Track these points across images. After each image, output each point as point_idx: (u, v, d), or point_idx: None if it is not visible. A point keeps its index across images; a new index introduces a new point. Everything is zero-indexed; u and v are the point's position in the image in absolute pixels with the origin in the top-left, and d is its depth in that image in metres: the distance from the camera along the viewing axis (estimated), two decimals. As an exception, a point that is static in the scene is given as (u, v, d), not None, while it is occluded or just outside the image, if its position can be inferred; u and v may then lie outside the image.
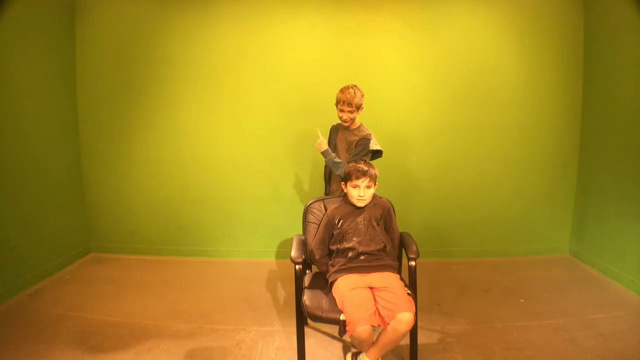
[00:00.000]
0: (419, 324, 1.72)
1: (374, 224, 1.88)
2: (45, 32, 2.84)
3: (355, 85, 2.22)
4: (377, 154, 2.28)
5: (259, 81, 3.10)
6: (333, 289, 1.76)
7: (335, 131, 2.44)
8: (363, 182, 1.84)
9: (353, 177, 1.85)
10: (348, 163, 2.03)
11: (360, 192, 1.85)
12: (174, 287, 2.72)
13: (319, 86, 3.03)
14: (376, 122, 3.06)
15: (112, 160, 3.23)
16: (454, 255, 3.21)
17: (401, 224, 2.01)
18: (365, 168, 1.85)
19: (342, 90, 2.22)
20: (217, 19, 3.06)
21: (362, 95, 2.22)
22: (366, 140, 2.23)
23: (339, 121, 2.35)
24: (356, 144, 2.25)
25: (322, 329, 2.15)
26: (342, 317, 1.61)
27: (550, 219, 3.23)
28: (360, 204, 1.88)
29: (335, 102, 2.27)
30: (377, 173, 1.89)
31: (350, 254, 1.82)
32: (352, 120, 2.26)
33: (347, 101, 2.18)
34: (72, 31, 3.08)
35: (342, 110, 2.22)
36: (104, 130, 3.19)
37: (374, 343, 1.65)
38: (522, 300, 2.48)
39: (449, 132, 3.11)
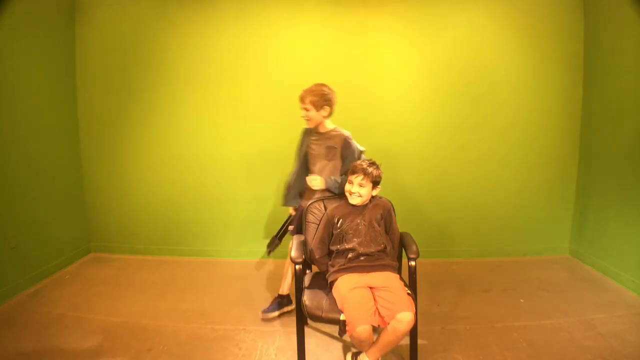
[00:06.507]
0: (419, 324, 1.71)
1: (375, 224, 1.87)
2: (45, 32, 2.83)
3: (323, 84, 2.13)
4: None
5: (259, 81, 3.09)
6: (333, 289, 1.76)
7: (307, 135, 2.26)
8: (356, 178, 1.84)
9: (350, 172, 1.88)
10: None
11: (352, 188, 1.86)
12: (174, 287, 2.72)
13: (319, 86, 3.03)
14: (376, 122, 3.08)
15: (112, 160, 3.23)
16: (454, 255, 3.21)
17: (401, 224, 2.01)
18: (365, 166, 1.85)
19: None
20: (217, 19, 3.06)
21: (323, 93, 2.07)
22: (349, 143, 2.10)
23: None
24: (342, 150, 2.10)
25: (322, 329, 2.15)
26: (342, 317, 1.61)
27: (550, 219, 3.23)
28: (352, 201, 1.88)
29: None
30: (379, 175, 1.88)
31: (350, 255, 1.82)
32: (310, 119, 2.12)
33: (300, 96, 2.09)
34: (72, 31, 3.08)
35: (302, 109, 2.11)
36: (104, 130, 3.19)
37: (374, 343, 1.65)
38: (522, 300, 2.48)
39: (449, 132, 3.11)
